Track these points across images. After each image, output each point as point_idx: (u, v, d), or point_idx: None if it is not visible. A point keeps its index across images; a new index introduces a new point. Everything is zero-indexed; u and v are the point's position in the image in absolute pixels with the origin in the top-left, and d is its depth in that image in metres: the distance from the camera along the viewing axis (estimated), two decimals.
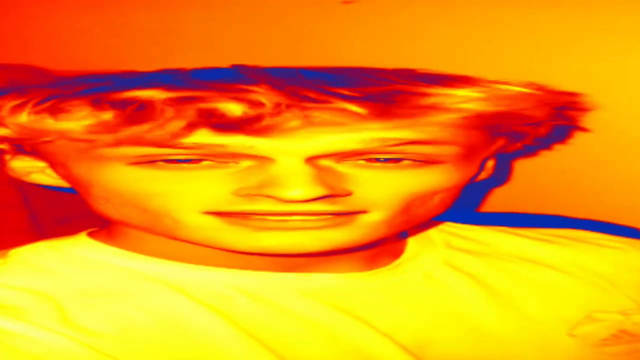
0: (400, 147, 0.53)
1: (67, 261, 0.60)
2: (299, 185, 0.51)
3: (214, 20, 0.94)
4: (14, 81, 0.76)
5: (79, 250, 0.61)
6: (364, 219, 0.55)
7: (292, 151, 0.51)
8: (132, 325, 0.55)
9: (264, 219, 0.53)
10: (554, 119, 0.61)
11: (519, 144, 0.64)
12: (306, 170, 0.51)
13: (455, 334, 0.60)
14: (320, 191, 0.51)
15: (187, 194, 0.53)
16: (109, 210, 0.57)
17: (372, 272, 0.62)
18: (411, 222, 0.58)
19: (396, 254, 0.65)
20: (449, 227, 0.71)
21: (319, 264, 0.60)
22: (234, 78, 0.51)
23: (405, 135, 0.52)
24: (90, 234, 0.63)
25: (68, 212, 0.75)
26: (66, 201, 0.69)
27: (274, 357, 0.55)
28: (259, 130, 0.49)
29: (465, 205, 0.71)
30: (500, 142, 0.62)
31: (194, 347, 0.55)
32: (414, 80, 0.52)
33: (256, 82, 0.50)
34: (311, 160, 0.52)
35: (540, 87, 0.56)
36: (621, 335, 0.64)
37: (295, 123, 0.50)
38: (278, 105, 0.49)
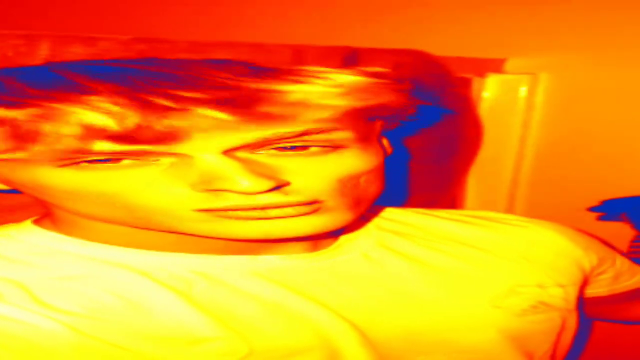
0: (296, 138, 0.55)
1: (25, 249, 0.60)
2: (243, 177, 0.52)
3: None
4: (399, 65, 0.81)
5: (33, 239, 0.61)
6: (325, 205, 0.57)
7: (202, 145, 0.52)
8: (100, 305, 0.57)
9: (246, 211, 0.55)
10: (415, 102, 0.62)
11: (396, 124, 0.65)
12: (234, 163, 0.53)
13: (393, 308, 0.65)
14: (265, 182, 0.53)
15: (154, 192, 0.54)
16: (90, 209, 0.57)
17: (315, 253, 0.65)
18: (360, 204, 0.61)
19: (334, 236, 0.68)
20: (376, 210, 0.75)
21: (270, 247, 0.63)
22: (66, 84, 0.51)
23: (286, 130, 0.54)
24: (36, 222, 0.63)
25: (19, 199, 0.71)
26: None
27: (230, 332, 0.58)
28: (150, 139, 0.50)
29: None
30: (380, 123, 0.64)
31: (157, 325, 0.57)
32: (253, 77, 0.53)
33: (99, 91, 0.49)
34: (228, 152, 0.53)
35: (385, 75, 0.57)
36: (538, 305, 0.70)
37: (178, 127, 0.51)
38: (146, 118, 0.49)
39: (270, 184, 0.53)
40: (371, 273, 0.66)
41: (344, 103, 0.54)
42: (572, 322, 0.73)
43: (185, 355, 0.57)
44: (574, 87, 1.01)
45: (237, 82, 0.52)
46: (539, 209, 0.96)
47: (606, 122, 1.00)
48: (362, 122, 0.59)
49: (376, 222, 0.72)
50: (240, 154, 0.54)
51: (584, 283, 0.77)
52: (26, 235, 0.62)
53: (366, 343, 0.62)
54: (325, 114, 0.53)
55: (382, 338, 0.63)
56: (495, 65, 1.04)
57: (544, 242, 0.75)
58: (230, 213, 0.55)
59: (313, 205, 0.56)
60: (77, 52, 0.74)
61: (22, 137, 0.49)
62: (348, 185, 0.58)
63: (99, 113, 0.49)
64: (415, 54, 0.88)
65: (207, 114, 0.50)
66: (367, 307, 0.64)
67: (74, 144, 0.50)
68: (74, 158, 0.52)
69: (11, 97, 0.50)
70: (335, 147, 0.57)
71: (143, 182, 0.54)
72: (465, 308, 0.67)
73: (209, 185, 0.54)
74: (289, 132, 0.54)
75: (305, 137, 0.55)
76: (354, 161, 0.58)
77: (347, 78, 0.54)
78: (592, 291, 0.81)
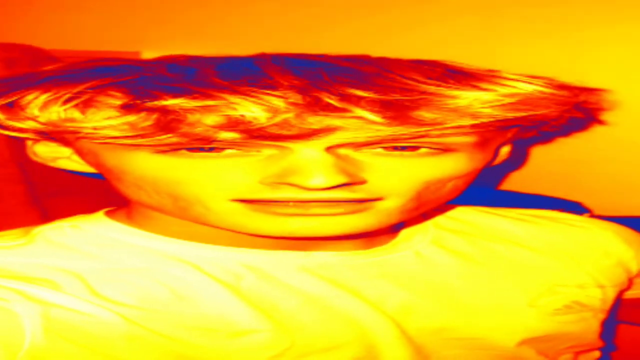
0: (419, 138, 0.54)
1: (88, 240, 0.62)
2: (320, 173, 0.52)
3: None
4: (10, 60, 0.77)
5: (99, 230, 0.63)
6: (379, 205, 0.57)
7: (312, 142, 0.52)
8: (152, 297, 0.59)
9: (286, 206, 0.55)
10: (571, 113, 0.62)
11: (534, 131, 0.66)
12: (326, 159, 0.53)
13: (434, 305, 0.66)
14: (339, 179, 0.53)
15: (215, 182, 0.55)
16: (142, 197, 0.59)
17: (368, 250, 0.66)
18: (422, 207, 0.61)
19: (393, 235, 0.69)
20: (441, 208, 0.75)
21: (321, 244, 0.64)
22: (255, 75, 0.52)
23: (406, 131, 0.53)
24: (108, 214, 0.66)
25: (60, 186, 0.77)
26: (59, 176, 0.70)
27: (273, 325, 0.60)
28: (283, 135, 0.51)
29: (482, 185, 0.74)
30: (514, 131, 0.64)
31: (204, 316, 0.59)
32: (437, 81, 0.52)
33: (278, 85, 0.50)
34: (331, 149, 0.53)
35: (560, 86, 0.57)
36: (573, 306, 0.71)
37: (317, 125, 0.51)
38: (301, 114, 0.50)
39: (341, 180, 0.53)
40: (419, 270, 0.67)
41: (498, 113, 0.52)
42: (598, 323, 0.73)
43: (229, 346, 0.59)
44: None
45: (417, 84, 0.51)
46: None
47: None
48: (499, 129, 0.58)
49: (436, 219, 0.73)
50: (343, 150, 0.54)
51: (628, 285, 0.77)
52: (93, 226, 0.64)
53: (403, 337, 0.64)
54: (470, 122, 0.52)
55: (417, 332, 0.65)
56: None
57: (596, 242, 0.75)
58: (269, 207, 0.55)
59: (369, 204, 0.56)
60: None
61: (164, 125, 0.50)
62: (431, 189, 0.58)
63: (258, 106, 0.49)
64: (26, 49, 0.83)
65: (362, 114, 0.50)
66: (409, 302, 0.65)
67: (208, 132, 0.50)
68: (190, 145, 0.53)
69: (192, 86, 0.50)
70: (446, 150, 0.57)
71: (222, 171, 0.55)
72: (502, 307, 0.68)
73: (281, 178, 0.54)
74: (407, 134, 0.52)
75: (423, 140, 0.54)
76: (456, 165, 0.58)
77: (526, 87, 0.53)
78: (629, 293, 0.80)
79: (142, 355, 0.56)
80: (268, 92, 0.50)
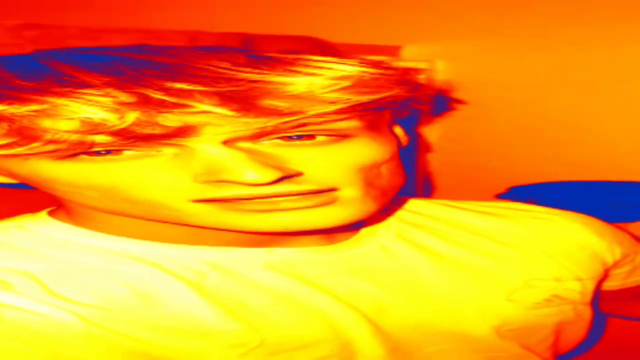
0: (298, 128, 0.53)
1: (37, 241, 0.60)
2: (248, 168, 0.51)
3: None
4: (299, 52, 0.80)
5: (46, 230, 0.60)
6: (343, 195, 0.56)
7: (205, 138, 0.51)
8: (112, 297, 0.56)
9: (252, 203, 0.54)
10: (425, 93, 0.61)
11: (405, 112, 0.64)
12: (239, 154, 0.52)
13: (408, 300, 0.64)
14: (271, 172, 0.51)
15: (154, 184, 0.53)
16: (92, 202, 0.56)
17: (332, 245, 0.65)
18: (385, 194, 0.59)
19: (354, 229, 0.67)
20: (399, 201, 0.74)
21: (286, 240, 0.62)
22: (55, 74, 0.49)
23: (286, 120, 0.52)
24: (51, 214, 0.63)
25: None
26: None
27: (241, 324, 0.58)
28: (157, 135, 0.49)
29: None
30: (388, 112, 0.63)
31: (168, 316, 0.57)
32: (250, 68, 0.51)
33: (89, 83, 0.48)
34: (228, 143, 0.52)
35: (385, 67, 0.55)
36: (552, 299, 0.69)
37: (179, 123, 0.49)
38: (147, 112, 0.48)
39: (276, 174, 0.52)
40: (387, 265, 0.66)
41: (348, 97, 0.52)
42: (586, 314, 0.73)
43: (195, 346, 0.56)
44: (470, 75, 1.00)
45: (236, 73, 0.50)
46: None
47: (503, 108, 1.01)
48: (368, 112, 0.58)
49: (397, 213, 0.72)
50: (242, 144, 0.53)
51: (604, 277, 0.76)
52: (39, 226, 0.61)
53: (378, 333, 0.62)
54: (330, 108, 0.51)
55: (394, 329, 0.63)
56: (391, 53, 1.04)
57: (567, 234, 0.74)
58: (239, 205, 0.54)
59: (329, 194, 0.55)
60: None
61: (20, 133, 0.49)
62: (370, 175, 0.57)
63: (96, 107, 0.47)
64: (311, 41, 0.87)
65: (209, 109, 0.49)
66: (380, 298, 0.64)
67: (73, 138, 0.49)
68: (72, 151, 0.51)
69: (3, 90, 0.49)
70: (342, 136, 0.56)
71: (144, 174, 0.53)
72: (477, 301, 0.67)
73: (213, 176, 0.53)
74: (289, 123, 0.52)
75: (309, 127, 0.54)
76: (365, 150, 0.57)
77: (350, 69, 0.52)
78: (606, 284, 0.79)
79: (101, 355, 0.54)
80: (91, 91, 0.48)
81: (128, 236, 0.60)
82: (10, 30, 0.74)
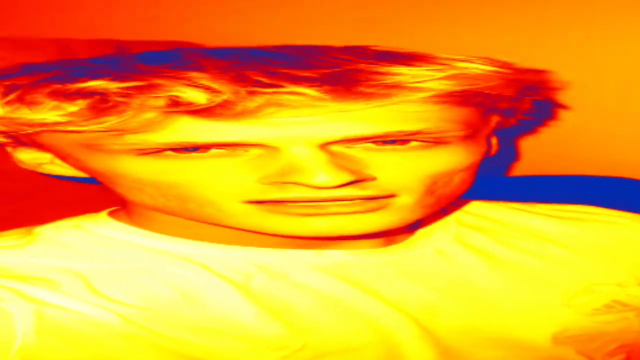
0: (406, 136, 0.54)
1: (91, 240, 0.61)
2: (322, 171, 0.51)
3: None
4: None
5: (102, 230, 0.62)
6: (396, 202, 0.56)
7: (296, 139, 0.52)
8: (156, 297, 0.57)
9: (302, 206, 0.54)
10: (528, 95, 0.62)
11: (512, 121, 0.66)
12: (322, 156, 0.52)
13: (460, 304, 0.63)
14: (344, 176, 0.52)
15: (216, 183, 0.54)
16: (145, 199, 0.57)
17: (386, 248, 0.64)
18: (440, 202, 0.59)
19: (410, 232, 0.67)
20: (460, 203, 0.73)
21: (335, 242, 0.62)
22: (178, 62, 0.51)
23: (408, 127, 0.53)
24: (111, 214, 0.64)
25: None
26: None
27: (284, 326, 0.58)
28: (234, 115, 0.50)
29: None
30: (495, 119, 0.64)
31: (211, 317, 0.57)
32: (371, 59, 0.52)
33: (202, 67, 0.50)
34: (323, 146, 0.52)
35: (502, 65, 0.56)
36: (613, 305, 0.67)
37: (269, 109, 0.50)
38: (237, 91, 0.49)
39: (347, 178, 0.52)
40: (441, 268, 0.65)
41: (443, 87, 0.52)
42: None
43: (236, 348, 0.57)
44: None
45: (343, 62, 0.51)
46: None
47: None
48: (476, 116, 0.58)
49: (457, 215, 0.71)
50: (335, 147, 0.53)
51: None
52: (96, 226, 0.63)
53: (427, 337, 0.61)
54: (419, 95, 0.52)
55: (444, 333, 0.62)
56: None
57: (635, 238, 0.72)
58: (285, 208, 0.55)
59: (384, 201, 0.55)
60: None
61: (106, 109, 0.50)
62: (439, 183, 0.57)
63: (192, 88, 0.49)
64: (182, 46, 0.85)
65: (296, 90, 0.49)
66: (432, 302, 0.63)
67: (156, 117, 0.50)
68: (161, 147, 0.52)
69: (117, 72, 0.50)
70: (437, 142, 0.56)
71: (214, 172, 0.54)
72: (534, 307, 0.66)
73: (283, 177, 0.53)
74: (399, 132, 0.53)
75: (415, 137, 0.54)
76: (452, 158, 0.57)
77: (463, 65, 0.53)
78: None
79: (141, 356, 0.55)
80: (194, 73, 0.49)
81: (180, 236, 0.61)
82: None
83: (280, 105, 0.50)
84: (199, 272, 0.59)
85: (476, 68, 0.54)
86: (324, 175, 0.51)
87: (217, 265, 0.60)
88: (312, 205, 0.54)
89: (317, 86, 0.49)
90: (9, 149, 0.63)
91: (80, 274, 0.58)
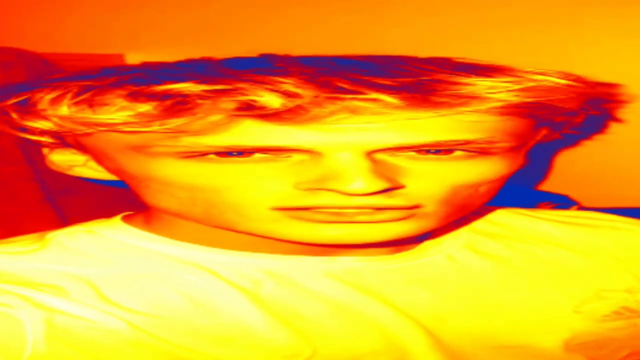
0: (457, 146, 0.54)
1: (103, 245, 0.62)
2: (359, 177, 0.51)
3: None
4: (5, 63, 0.78)
5: (115, 235, 0.62)
6: (419, 212, 0.56)
7: (344, 146, 0.52)
8: (167, 305, 0.57)
9: (325, 212, 0.54)
10: (588, 109, 0.62)
11: (557, 134, 0.66)
12: (362, 163, 0.52)
13: (470, 310, 0.64)
14: (380, 184, 0.52)
15: (251, 188, 0.54)
16: (171, 203, 0.57)
17: (396, 255, 0.64)
18: (460, 212, 0.60)
19: (421, 238, 0.66)
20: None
21: (345, 249, 0.62)
22: (264, 68, 0.52)
23: (461, 136, 0.53)
24: (125, 219, 0.65)
25: (72, 184, 0.76)
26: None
27: (294, 333, 0.58)
28: (303, 121, 0.50)
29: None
30: (543, 132, 0.64)
31: (221, 324, 0.57)
32: (450, 70, 0.52)
33: (287, 73, 0.50)
34: (369, 154, 0.52)
35: (576, 79, 0.56)
36: (622, 312, 0.67)
37: (339, 115, 0.50)
38: (315, 97, 0.49)
39: (383, 185, 0.52)
40: (452, 276, 0.65)
41: (519, 99, 0.52)
42: None
43: (246, 356, 0.57)
44: None
45: (423, 72, 0.51)
46: None
47: None
48: (528, 128, 0.58)
49: (469, 223, 0.70)
50: (380, 155, 0.53)
51: None
52: (108, 231, 0.63)
53: (437, 345, 0.61)
54: (491, 105, 0.52)
55: (454, 340, 0.62)
56: (115, 61, 1.01)
57: None
58: (305, 214, 0.54)
59: (410, 211, 0.55)
60: None
61: (178, 111, 0.50)
62: (462, 194, 0.57)
63: (271, 92, 0.49)
64: (19, 52, 0.83)
65: (374, 97, 0.49)
66: (442, 309, 0.63)
67: (221, 120, 0.50)
68: (212, 150, 0.52)
69: (203, 76, 0.50)
70: (482, 153, 0.56)
71: (256, 177, 0.54)
72: (544, 312, 0.66)
73: (319, 183, 0.53)
74: (449, 142, 0.53)
75: (465, 147, 0.54)
76: (488, 169, 0.57)
77: (536, 77, 0.53)
78: None
79: None
80: (278, 78, 0.49)
81: (190, 241, 0.61)
82: None
83: (352, 111, 0.50)
84: (208, 278, 0.59)
85: (550, 81, 0.54)
86: (361, 182, 0.51)
87: (227, 272, 0.60)
88: (335, 213, 0.54)
89: (395, 94, 0.49)
90: (45, 150, 0.63)
91: (88, 281, 0.58)
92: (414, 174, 0.54)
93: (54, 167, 0.64)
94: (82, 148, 0.60)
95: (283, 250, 0.61)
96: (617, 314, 0.67)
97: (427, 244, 0.66)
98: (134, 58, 0.98)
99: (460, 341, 0.62)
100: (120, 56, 1.01)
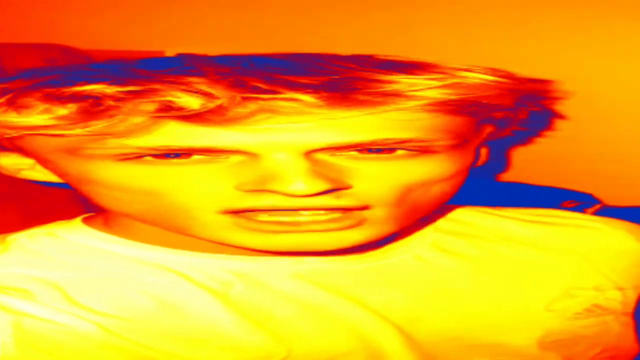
0: (395, 144, 0.54)
1: (66, 248, 0.60)
2: (299, 179, 0.51)
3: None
4: (50, 60, 0.80)
5: (77, 238, 0.61)
6: (370, 217, 0.55)
7: (279, 146, 0.51)
8: (134, 306, 0.57)
9: (274, 222, 0.54)
10: (526, 105, 0.62)
11: (506, 131, 0.66)
12: (303, 164, 0.51)
13: (442, 310, 0.63)
14: (322, 185, 0.51)
15: (193, 190, 0.53)
16: (121, 206, 0.56)
17: (363, 255, 0.63)
18: (415, 213, 0.59)
19: (388, 240, 0.66)
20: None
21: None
22: (179, 68, 0.51)
23: (397, 135, 0.52)
24: (86, 221, 0.63)
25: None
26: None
27: (267, 335, 0.58)
28: (227, 121, 0.49)
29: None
30: (488, 130, 0.63)
31: (191, 326, 0.57)
32: (371, 67, 0.52)
33: (202, 73, 0.49)
34: (307, 154, 0.52)
35: (504, 75, 0.55)
36: (593, 309, 0.68)
37: (260, 116, 0.49)
38: (233, 97, 0.48)
39: (324, 186, 0.51)
40: (421, 275, 0.65)
41: (444, 96, 0.51)
42: (631, 326, 0.71)
43: (218, 357, 0.56)
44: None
45: (343, 70, 0.51)
46: None
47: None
48: (469, 126, 0.58)
49: (434, 222, 0.70)
50: (320, 155, 0.52)
51: None
52: (70, 233, 0.62)
53: (410, 344, 0.61)
54: (415, 103, 0.51)
55: (428, 339, 0.62)
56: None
57: (610, 242, 0.72)
58: (255, 224, 0.54)
59: (358, 215, 0.55)
60: None
61: (97, 113, 0.49)
62: (413, 194, 0.56)
63: (188, 93, 0.48)
64: (62, 49, 0.85)
65: (292, 96, 0.48)
66: (413, 308, 0.63)
67: (144, 122, 0.49)
68: (143, 152, 0.51)
69: (116, 77, 0.50)
70: (424, 151, 0.55)
71: (194, 179, 0.53)
72: (516, 311, 0.66)
73: (260, 185, 0.52)
74: (387, 140, 0.52)
75: (404, 145, 0.53)
76: (435, 168, 0.56)
77: (462, 74, 0.53)
78: None
79: None
80: (193, 79, 0.49)
81: (156, 244, 0.60)
82: None
83: (273, 111, 0.49)
84: (177, 280, 0.58)
85: (476, 77, 0.53)
86: (300, 183, 0.50)
87: (196, 274, 0.59)
88: (284, 218, 0.53)
89: (313, 93, 0.49)
90: None
91: (54, 284, 0.57)
92: (360, 175, 0.54)
93: (3, 171, 0.62)
94: (22, 151, 0.58)
95: (250, 251, 0.59)
96: (589, 311, 0.67)
97: (394, 245, 0.65)
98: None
99: (433, 340, 0.62)
100: (160, 53, 1.01)
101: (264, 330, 0.58)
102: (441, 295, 0.64)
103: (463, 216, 0.71)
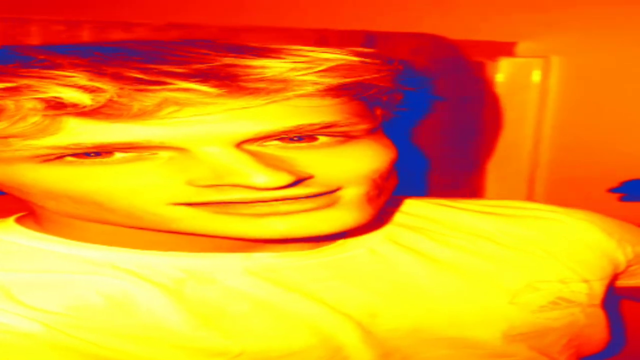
0: (321, 129, 0.53)
1: (4, 249, 0.58)
2: (256, 171, 0.50)
3: None
4: (416, 48, 0.86)
5: (14, 238, 0.59)
6: (344, 195, 0.55)
7: (207, 139, 0.50)
8: (81, 304, 0.55)
9: (251, 206, 0.53)
10: (402, 86, 0.60)
11: (389, 113, 0.63)
12: (245, 156, 0.50)
13: (401, 304, 0.63)
14: (284, 177, 0.50)
15: (137, 189, 0.52)
16: (66, 209, 0.55)
17: (316, 250, 0.62)
18: (383, 195, 0.58)
19: (340, 233, 0.64)
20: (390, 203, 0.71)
21: (264, 245, 0.60)
22: (28, 61, 0.49)
23: (319, 120, 0.52)
24: (19, 220, 0.61)
25: None
26: None
27: (220, 332, 0.57)
28: (133, 116, 0.48)
29: None
30: (379, 112, 0.61)
31: (143, 324, 0.56)
32: (230, 52, 0.51)
33: (60, 66, 0.47)
34: (239, 146, 0.51)
35: (371, 54, 0.54)
36: (559, 302, 0.67)
37: (169, 109, 0.48)
38: (121, 89, 0.47)
39: (289, 178, 0.51)
40: (376, 269, 0.64)
41: (322, 80, 0.51)
42: (599, 317, 0.70)
43: (169, 355, 0.55)
44: (587, 70, 1.02)
45: (214, 57, 0.50)
46: (559, 191, 0.98)
47: (620, 102, 1.00)
48: (366, 110, 0.57)
49: (387, 215, 0.69)
50: (249, 146, 0.52)
51: (615, 276, 0.73)
52: (7, 234, 0.60)
53: (369, 339, 0.60)
54: (306, 89, 0.50)
55: (387, 334, 0.61)
56: (506, 49, 1.05)
57: (572, 233, 0.71)
58: (233, 209, 0.53)
59: (332, 195, 0.54)
60: (115, 37, 0.76)
61: None
62: (376, 178, 0.56)
63: (68, 87, 0.46)
64: (431, 38, 0.89)
65: (189, 87, 0.47)
66: (370, 303, 0.62)
67: (42, 120, 0.48)
68: (58, 152, 0.50)
69: None
70: (346, 137, 0.55)
71: (131, 179, 0.51)
72: (477, 305, 0.65)
73: (217, 180, 0.51)
74: (314, 124, 0.52)
75: (329, 130, 0.53)
76: (370, 151, 0.56)
77: (327, 56, 0.52)
78: (626, 282, 0.76)
79: None
80: (63, 72, 0.47)
81: (101, 243, 0.58)
82: (157, 29, 0.77)
83: (178, 103, 0.48)
84: (125, 277, 0.57)
85: (342, 59, 0.52)
86: (262, 176, 0.49)
87: (145, 271, 0.57)
88: (261, 205, 0.52)
89: (204, 82, 0.48)
90: None
91: None
92: (314, 164, 0.53)
93: None
94: None
95: (201, 248, 0.59)
96: (554, 304, 0.67)
97: (347, 240, 0.64)
98: (526, 47, 1.05)
99: (394, 335, 0.61)
100: (512, 44, 1.05)
101: (216, 327, 0.57)
102: (399, 290, 0.63)
103: (417, 209, 0.70)
